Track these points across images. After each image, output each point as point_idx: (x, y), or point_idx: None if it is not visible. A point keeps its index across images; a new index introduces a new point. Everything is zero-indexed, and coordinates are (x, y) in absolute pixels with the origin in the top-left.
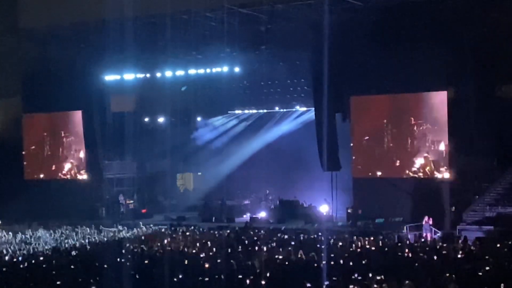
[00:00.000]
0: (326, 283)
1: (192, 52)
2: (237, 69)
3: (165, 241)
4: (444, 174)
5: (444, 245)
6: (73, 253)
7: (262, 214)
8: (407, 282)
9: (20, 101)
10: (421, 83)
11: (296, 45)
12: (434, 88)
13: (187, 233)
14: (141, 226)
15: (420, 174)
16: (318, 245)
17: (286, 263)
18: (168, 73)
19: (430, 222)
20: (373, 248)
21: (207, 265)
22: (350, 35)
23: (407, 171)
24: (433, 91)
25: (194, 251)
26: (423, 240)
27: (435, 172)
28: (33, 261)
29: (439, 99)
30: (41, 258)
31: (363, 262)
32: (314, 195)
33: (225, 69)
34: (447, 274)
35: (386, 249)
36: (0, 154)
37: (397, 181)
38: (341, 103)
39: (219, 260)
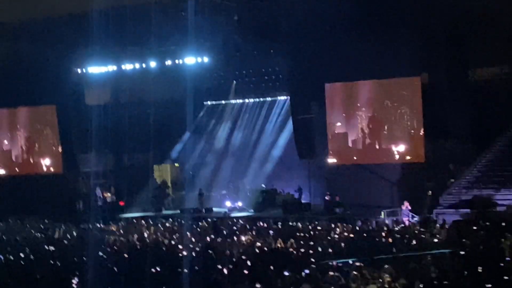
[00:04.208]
0: (306, 271)
1: (165, 43)
2: (206, 60)
3: (144, 233)
4: (420, 158)
5: (422, 229)
6: (51, 248)
7: (240, 204)
8: (386, 266)
9: None
10: (394, 69)
11: (269, 33)
12: (408, 74)
13: (166, 225)
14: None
15: (396, 158)
16: (297, 233)
17: (265, 251)
18: (140, 65)
19: (409, 207)
20: (351, 235)
21: (185, 255)
22: (324, 22)
23: (383, 157)
24: (406, 77)
25: (172, 242)
26: (401, 225)
27: (411, 157)
28: (11, 257)
29: (413, 84)
30: (21, 254)
31: (342, 248)
32: (292, 184)
33: (199, 59)
34: (428, 258)
35: (364, 234)
36: None
37: (373, 167)
38: (316, 90)
39: (197, 250)
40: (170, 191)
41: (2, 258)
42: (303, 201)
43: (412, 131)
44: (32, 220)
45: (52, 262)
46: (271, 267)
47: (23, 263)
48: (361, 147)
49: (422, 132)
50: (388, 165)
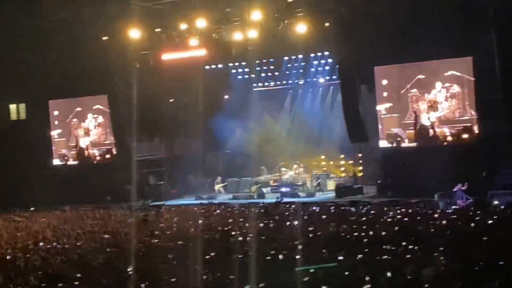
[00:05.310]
0: (360, 255)
1: None
2: None
3: (198, 220)
4: (474, 139)
5: (477, 212)
6: (106, 236)
7: (292, 189)
8: (441, 249)
9: (45, 88)
10: (445, 49)
11: (319, 17)
12: (459, 54)
13: (218, 211)
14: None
15: (449, 140)
16: (350, 217)
17: (318, 236)
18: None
19: (463, 188)
20: (405, 219)
21: (238, 241)
22: (372, 5)
23: (436, 138)
24: (458, 57)
25: (226, 228)
26: (455, 207)
27: (464, 138)
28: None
29: (465, 65)
30: (78, 243)
31: (395, 232)
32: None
33: None
34: (483, 240)
35: (418, 218)
36: (27, 140)
37: (425, 149)
38: (366, 74)
39: (250, 236)
40: (221, 178)
41: (59, 246)
42: (355, 185)
43: (465, 111)
44: (87, 208)
45: (108, 250)
46: (324, 252)
47: (79, 251)
48: (412, 130)
49: (475, 113)
50: (441, 147)
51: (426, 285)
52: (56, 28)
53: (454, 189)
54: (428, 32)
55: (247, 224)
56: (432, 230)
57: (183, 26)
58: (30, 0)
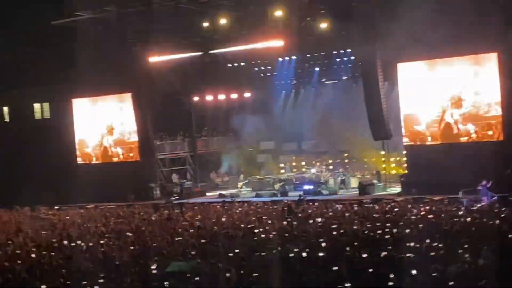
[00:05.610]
0: (384, 252)
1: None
2: None
3: (222, 217)
4: (499, 136)
5: (502, 209)
6: (129, 234)
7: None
8: (466, 246)
9: (68, 87)
10: (470, 45)
11: (342, 14)
12: (484, 50)
13: (240, 209)
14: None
15: (474, 137)
16: (373, 215)
17: (341, 233)
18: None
19: (488, 185)
20: (429, 216)
21: (261, 238)
22: (395, 1)
23: (460, 135)
24: (482, 53)
25: (249, 226)
26: (480, 204)
27: (489, 135)
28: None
29: (490, 61)
30: (101, 241)
31: (420, 229)
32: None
33: None
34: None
35: (442, 215)
36: (52, 139)
37: (450, 146)
38: (389, 71)
39: (273, 233)
40: (243, 175)
41: (83, 244)
42: (378, 183)
43: (490, 108)
44: (111, 207)
45: (132, 248)
46: (348, 249)
47: (103, 249)
48: (436, 127)
49: (500, 110)
50: (465, 143)
51: (451, 283)
52: (80, 27)
53: (479, 186)
54: (452, 28)
55: (269, 222)
56: (457, 227)
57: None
58: (54, 0)
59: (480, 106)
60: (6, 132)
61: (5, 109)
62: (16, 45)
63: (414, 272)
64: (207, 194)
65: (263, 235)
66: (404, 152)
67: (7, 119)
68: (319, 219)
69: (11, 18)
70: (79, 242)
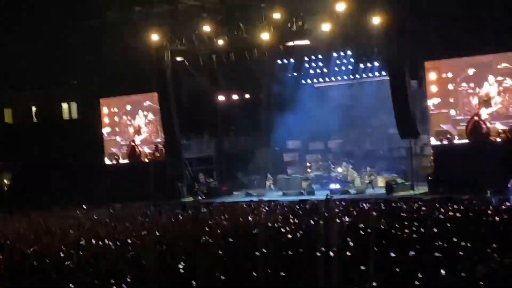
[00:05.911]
0: (412, 252)
1: None
2: None
3: (248, 217)
4: None
5: None
6: (157, 233)
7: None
8: (494, 245)
9: (96, 86)
10: (498, 42)
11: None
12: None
13: (267, 208)
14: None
15: (502, 136)
16: (400, 214)
17: (369, 233)
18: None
19: None
20: (457, 215)
21: (288, 238)
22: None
23: (488, 134)
24: (509, 51)
25: (276, 225)
26: (508, 203)
27: None
28: (118, 243)
29: None
30: (129, 241)
31: (447, 228)
32: (394, 164)
33: None
34: None
35: (470, 214)
36: (79, 139)
37: (477, 144)
38: (416, 69)
39: (300, 233)
40: (270, 174)
41: (110, 244)
42: (406, 182)
43: None
44: (137, 207)
45: (159, 247)
46: (375, 249)
47: (130, 248)
48: (464, 125)
49: None
50: (493, 142)
51: (481, 283)
52: (107, 28)
53: (508, 185)
54: (479, 25)
55: (296, 221)
56: (485, 226)
57: None
58: (82, 1)
59: (509, 104)
60: (35, 132)
61: (33, 109)
62: (44, 46)
63: (442, 271)
64: (234, 193)
65: (289, 235)
66: (432, 151)
67: (35, 119)
68: (346, 218)
69: (40, 19)
70: (107, 241)
